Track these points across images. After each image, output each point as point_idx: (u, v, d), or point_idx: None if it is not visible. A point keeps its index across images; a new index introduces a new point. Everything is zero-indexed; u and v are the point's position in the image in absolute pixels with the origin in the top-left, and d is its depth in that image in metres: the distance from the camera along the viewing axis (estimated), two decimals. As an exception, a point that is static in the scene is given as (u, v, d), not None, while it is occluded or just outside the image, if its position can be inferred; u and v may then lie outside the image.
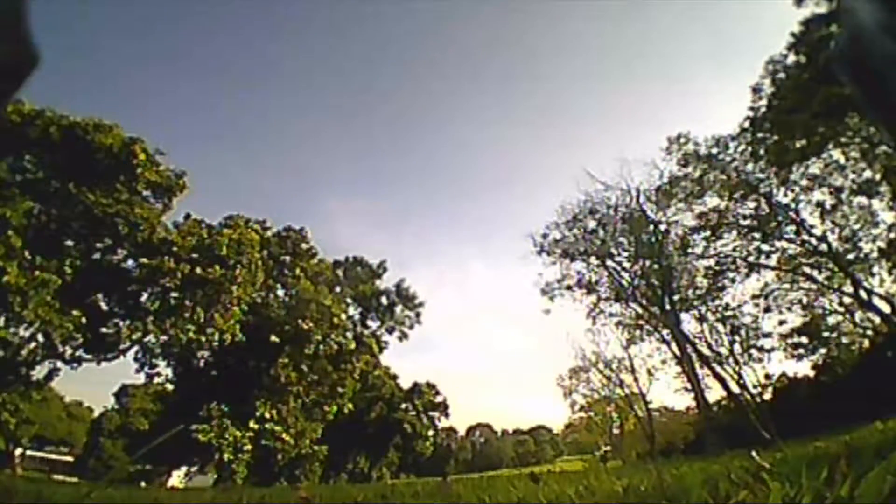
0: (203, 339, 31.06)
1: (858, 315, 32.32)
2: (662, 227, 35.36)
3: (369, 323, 52.82)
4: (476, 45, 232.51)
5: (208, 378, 36.48)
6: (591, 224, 36.99)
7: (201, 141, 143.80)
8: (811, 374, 35.22)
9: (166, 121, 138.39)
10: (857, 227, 29.71)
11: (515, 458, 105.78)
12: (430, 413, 67.82)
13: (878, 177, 27.21)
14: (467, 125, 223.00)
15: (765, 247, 32.18)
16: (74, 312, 25.35)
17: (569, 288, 37.56)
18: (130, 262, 29.86)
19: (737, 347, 34.33)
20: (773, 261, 32.49)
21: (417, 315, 55.02)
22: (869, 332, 32.35)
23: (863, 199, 28.85)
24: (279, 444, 36.09)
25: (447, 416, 70.25)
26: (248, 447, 33.88)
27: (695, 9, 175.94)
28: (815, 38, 23.10)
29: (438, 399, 68.40)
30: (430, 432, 67.20)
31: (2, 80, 0.55)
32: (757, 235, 31.80)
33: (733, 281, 33.71)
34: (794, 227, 30.66)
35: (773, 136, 27.29)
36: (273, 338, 36.90)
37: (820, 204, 29.49)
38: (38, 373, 26.85)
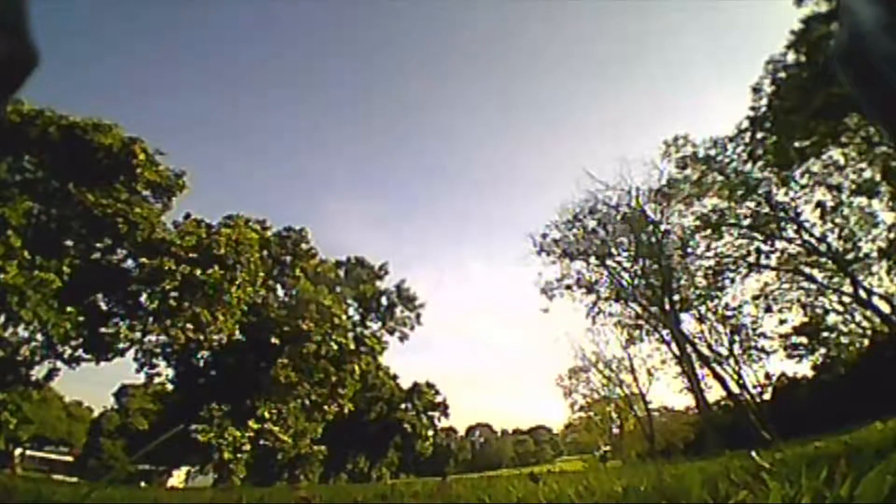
0: (203, 339, 31.07)
1: (858, 315, 32.36)
2: (662, 228, 35.41)
3: (369, 323, 52.83)
4: (476, 46, 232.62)
5: (208, 378, 36.47)
6: (591, 224, 37.05)
7: (201, 141, 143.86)
8: (811, 374, 35.23)
9: (166, 121, 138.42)
10: (856, 227, 29.72)
11: (515, 458, 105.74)
12: (430, 413, 67.84)
13: (878, 177, 27.21)
14: (467, 125, 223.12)
15: (765, 247, 32.20)
16: (73, 312, 25.36)
17: (568, 287, 37.61)
18: (130, 262, 29.88)
19: (737, 347, 34.37)
20: (772, 261, 32.50)
21: (417, 316, 55.04)
22: (869, 332, 32.36)
23: (863, 200, 28.87)
24: (279, 444, 36.10)
25: (447, 415, 70.32)
26: (248, 447, 33.89)
27: (695, 8, 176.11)
28: (816, 37, 23.08)
29: (438, 399, 68.42)
30: (430, 432, 67.22)
31: (2, 79, 0.55)
32: (757, 235, 31.80)
33: (733, 281, 33.75)
34: (793, 227, 30.67)
35: (774, 136, 27.28)
36: (273, 338, 36.90)
37: (820, 204, 29.49)
38: (38, 373, 26.90)
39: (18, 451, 39.69)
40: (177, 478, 39.72)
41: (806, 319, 33.66)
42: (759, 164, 29.39)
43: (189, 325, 29.95)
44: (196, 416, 32.28)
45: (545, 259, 38.06)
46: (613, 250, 36.79)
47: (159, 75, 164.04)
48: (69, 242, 27.41)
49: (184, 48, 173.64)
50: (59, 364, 27.25)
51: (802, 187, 29.41)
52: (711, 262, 33.84)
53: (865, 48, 0.54)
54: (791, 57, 25.25)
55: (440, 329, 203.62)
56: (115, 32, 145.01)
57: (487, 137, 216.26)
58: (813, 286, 32.32)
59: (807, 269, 31.79)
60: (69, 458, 60.09)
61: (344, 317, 42.93)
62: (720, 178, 31.58)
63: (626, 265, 36.63)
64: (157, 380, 35.51)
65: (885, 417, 9.01)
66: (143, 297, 29.60)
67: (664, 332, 35.56)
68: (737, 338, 34.51)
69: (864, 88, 0.59)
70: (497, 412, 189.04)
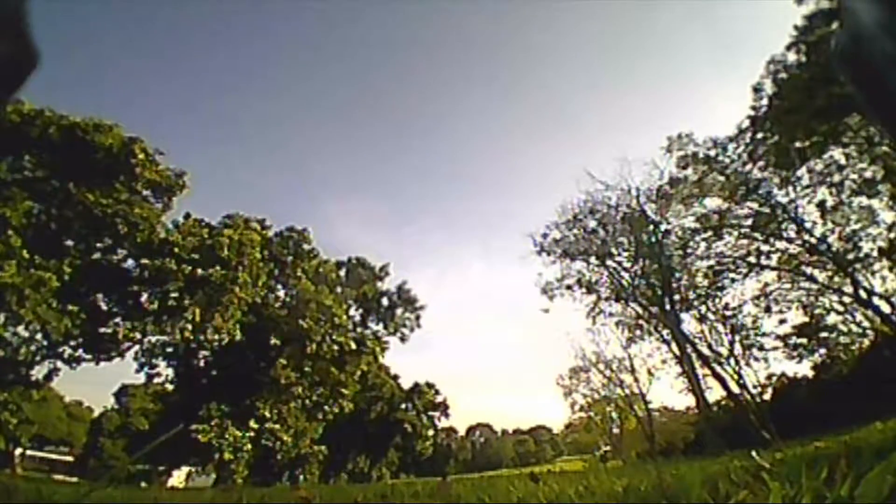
0: (203, 339, 31.08)
1: (858, 315, 32.33)
2: (662, 228, 35.40)
3: (370, 324, 52.83)
4: (476, 45, 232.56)
5: (208, 378, 36.48)
6: (592, 224, 37.02)
7: (201, 141, 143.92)
8: (811, 374, 35.22)
9: (166, 121, 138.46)
10: (857, 226, 29.70)
11: (515, 458, 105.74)
12: (430, 413, 67.86)
13: (878, 176, 27.19)
14: (467, 125, 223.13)
15: (765, 247, 32.19)
16: (73, 312, 25.36)
17: (569, 287, 37.60)
18: (130, 262, 29.88)
19: (737, 347, 34.33)
20: (773, 261, 32.48)
21: (418, 317, 55.03)
22: (869, 333, 32.34)
23: (863, 199, 28.85)
24: (279, 443, 36.10)
25: (447, 415, 70.35)
26: (248, 447, 33.89)
27: (695, 8, 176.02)
28: (816, 36, 23.08)
29: (438, 399, 68.44)
30: (430, 432, 67.24)
31: (2, 80, 0.55)
32: (757, 236, 31.78)
33: (733, 281, 33.72)
34: (794, 227, 30.65)
35: (774, 136, 27.27)
36: (273, 338, 36.90)
37: (820, 204, 29.47)
38: (38, 372, 26.90)
39: (19, 450, 39.68)
40: (177, 478, 39.74)
41: (806, 319, 33.64)
42: (760, 164, 29.38)
43: (190, 326, 29.96)
44: (196, 416, 32.29)
45: (545, 259, 38.08)
46: (613, 250, 36.79)
47: (160, 75, 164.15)
48: (69, 242, 27.40)
49: (184, 48, 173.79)
50: (59, 364, 27.26)
51: (803, 187, 29.41)
52: (712, 262, 33.85)
53: (866, 48, 0.54)
54: (792, 57, 25.27)
55: (440, 329, 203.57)
56: (116, 32, 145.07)
57: (488, 137, 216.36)
58: (813, 286, 32.31)
59: (807, 269, 31.78)
60: (69, 458, 60.12)
61: (344, 317, 42.92)
62: (720, 178, 31.57)
63: (627, 265, 36.63)
64: (157, 380, 35.54)
65: (885, 417, 9.02)
66: (144, 298, 29.60)
67: (664, 332, 35.57)
68: (737, 338, 34.49)
69: (864, 88, 0.59)
70: (497, 412, 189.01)
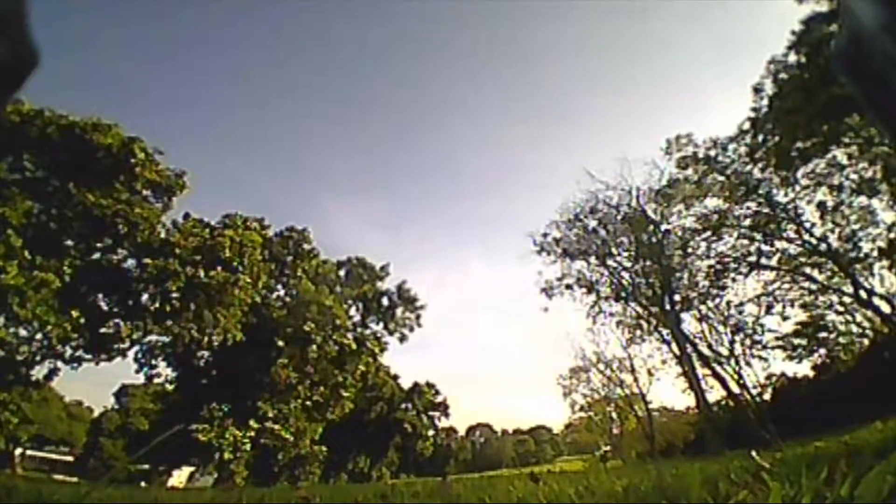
0: (204, 339, 31.08)
1: (858, 315, 32.33)
2: (663, 228, 35.42)
3: (370, 324, 52.86)
4: (476, 45, 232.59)
5: (209, 378, 36.49)
6: (592, 223, 37.07)
7: (201, 141, 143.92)
8: (811, 374, 35.19)
9: (166, 121, 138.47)
10: (857, 226, 29.70)
11: (515, 458, 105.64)
12: (430, 413, 67.86)
13: (878, 176, 27.20)
14: (468, 125, 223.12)
15: (765, 247, 32.21)
16: (74, 312, 25.36)
17: (569, 287, 37.63)
18: (130, 262, 29.88)
19: (737, 347, 34.32)
20: (773, 261, 32.50)
21: (418, 317, 55.09)
22: (869, 332, 32.33)
23: (863, 199, 28.86)
24: (279, 443, 36.10)
25: (447, 415, 70.34)
26: (249, 447, 33.89)
27: (695, 8, 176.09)
28: (816, 37, 23.08)
29: (438, 399, 68.44)
30: (430, 432, 67.25)
31: (2, 80, 0.55)
32: (757, 236, 31.79)
33: (734, 280, 33.73)
34: (794, 228, 30.65)
35: (775, 137, 27.27)
36: (274, 338, 36.91)
37: (820, 204, 29.48)
38: (38, 373, 26.88)
39: (19, 451, 39.64)
40: (177, 478, 39.69)
41: (806, 319, 33.64)
42: (760, 164, 29.40)
43: (191, 326, 29.97)
44: (197, 415, 32.30)
45: (545, 258, 38.15)
46: (614, 250, 36.82)
47: (160, 75, 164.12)
48: (69, 242, 27.40)
49: (184, 48, 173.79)
50: (59, 364, 27.26)
51: (803, 188, 29.41)
52: (712, 262, 33.85)
53: (866, 49, 0.54)
54: (792, 57, 25.26)
55: (441, 329, 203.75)
56: (116, 32, 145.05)
57: (488, 137, 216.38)
58: (813, 286, 32.32)
59: (807, 270, 31.79)
60: (69, 458, 60.11)
61: (345, 317, 42.95)
62: (721, 178, 31.59)
63: (627, 265, 36.67)
64: (157, 380, 35.53)
65: (885, 417, 9.02)
66: (144, 298, 29.61)
67: (664, 332, 35.57)
68: (737, 338, 34.49)
69: (864, 89, 0.59)
70: (497, 412, 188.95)
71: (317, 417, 40.20)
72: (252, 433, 34.36)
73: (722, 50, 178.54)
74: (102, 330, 28.39)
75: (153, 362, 33.46)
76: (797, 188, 29.55)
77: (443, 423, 71.90)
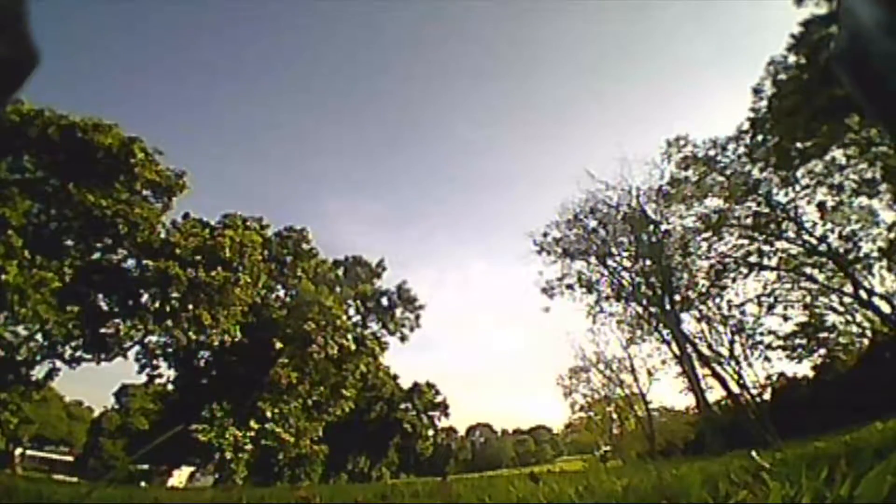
0: (204, 339, 31.09)
1: (858, 315, 32.32)
2: (663, 228, 35.40)
3: (370, 324, 52.85)
4: (476, 45, 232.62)
5: (209, 378, 36.49)
6: (592, 223, 37.05)
7: (201, 141, 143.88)
8: (811, 374, 35.20)
9: (166, 121, 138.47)
10: (857, 227, 29.71)
11: (515, 458, 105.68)
12: (430, 413, 67.86)
13: (878, 177, 27.21)
14: (468, 125, 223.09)
15: (765, 247, 32.19)
16: (74, 312, 25.35)
17: (569, 287, 37.61)
18: (130, 262, 29.90)
19: (737, 347, 34.31)
20: (773, 261, 32.50)
21: (417, 317, 55.06)
22: (869, 333, 32.33)
23: (863, 200, 28.86)
24: (280, 443, 36.09)
25: (447, 415, 70.34)
26: (249, 447, 33.89)
27: (695, 9, 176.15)
28: (816, 38, 23.07)
29: (438, 399, 68.44)
30: (430, 432, 67.27)
31: (2, 80, 0.55)
32: (757, 236, 31.79)
33: (734, 280, 33.72)
34: (794, 228, 30.65)
35: (775, 138, 27.27)
36: (274, 338, 36.91)
37: (821, 204, 29.48)
38: (38, 372, 26.89)
39: (19, 450, 39.67)
40: (177, 478, 39.68)
41: (806, 319, 33.63)
42: (760, 164, 29.40)
43: (192, 327, 29.97)
44: (197, 415, 32.30)
45: (546, 258, 38.12)
46: (614, 250, 36.80)
47: (160, 75, 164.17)
48: (69, 242, 27.41)
49: (184, 48, 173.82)
50: (59, 364, 27.28)
51: (803, 187, 29.41)
52: (712, 262, 33.85)
53: (866, 49, 0.54)
54: (792, 59, 25.25)
55: (441, 329, 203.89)
56: (116, 32, 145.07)
57: (488, 137, 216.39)
58: (813, 286, 32.31)
59: (807, 270, 31.78)
60: (69, 458, 60.11)
61: (344, 317, 42.95)
62: (721, 178, 31.59)
63: (627, 265, 36.64)
64: (157, 380, 35.53)
65: (885, 417, 9.01)
66: (145, 298, 29.62)
67: (664, 332, 35.55)
68: (737, 338, 34.47)
69: (864, 89, 0.59)
70: (497, 412, 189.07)
71: (317, 417, 40.20)
72: (252, 433, 34.36)
73: (722, 50, 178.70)
74: (102, 330, 28.39)
75: (153, 362, 33.46)
76: (797, 188, 29.57)
77: (443, 423, 72.00)
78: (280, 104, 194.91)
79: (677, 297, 34.53)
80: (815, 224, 30.14)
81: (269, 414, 35.71)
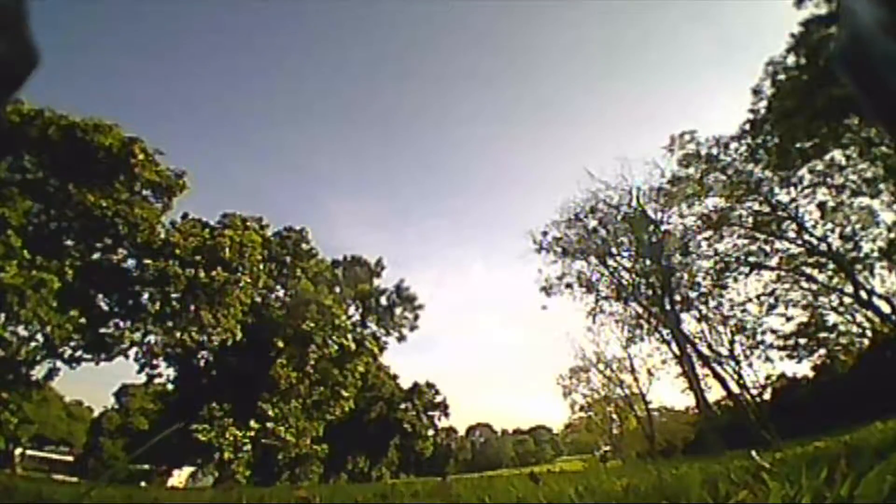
0: (204, 339, 31.10)
1: (859, 315, 32.33)
2: (663, 227, 35.40)
3: (369, 324, 52.86)
4: (476, 45, 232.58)
5: (209, 378, 36.49)
6: (592, 223, 37.03)
7: (201, 141, 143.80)
8: (811, 374, 35.21)
9: (166, 121, 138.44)
10: (857, 227, 29.72)
11: (515, 458, 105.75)
12: (430, 413, 67.84)
13: (878, 177, 27.23)
14: (468, 125, 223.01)
15: (766, 247, 32.22)
16: (74, 313, 25.35)
17: (569, 286, 37.61)
18: (131, 263, 29.90)
19: (737, 347, 34.32)
20: (773, 261, 32.52)
21: (416, 317, 55.08)
22: (869, 333, 32.34)
23: (863, 200, 28.88)
24: (279, 443, 36.09)
25: (447, 415, 70.32)
26: (249, 447, 33.90)
27: (695, 9, 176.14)
28: (816, 38, 23.09)
29: (438, 399, 68.43)
30: (430, 432, 67.23)
31: (2, 80, 0.55)
32: (758, 235, 31.81)
33: (736, 280, 33.74)
34: (794, 228, 30.66)
35: (775, 138, 27.28)
36: (274, 338, 36.94)
37: (821, 204, 29.50)
38: (38, 372, 26.88)
39: (19, 450, 39.66)
40: (177, 478, 39.69)
41: (806, 319, 33.64)
42: (761, 164, 29.41)
43: (191, 327, 29.99)
44: (197, 415, 32.30)
45: (545, 258, 38.11)
46: (614, 250, 36.79)
47: (159, 75, 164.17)
48: (69, 242, 27.41)
49: (184, 48, 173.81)
50: (59, 364, 27.27)
51: (804, 187, 29.42)
52: (713, 262, 33.86)
53: (866, 49, 0.54)
54: (791, 59, 25.27)
55: (441, 329, 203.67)
56: (116, 32, 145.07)
57: (488, 137, 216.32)
58: (813, 286, 32.31)
59: (807, 270, 31.79)
60: (69, 458, 60.09)
61: (344, 317, 42.97)
62: (722, 177, 31.61)
63: (627, 265, 36.65)
64: (157, 380, 35.53)
65: (885, 417, 9.02)
66: (145, 298, 29.63)
67: (664, 332, 35.54)
68: (737, 338, 34.48)
69: (864, 89, 0.59)
70: (497, 412, 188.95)
71: (317, 417, 40.20)
72: (252, 433, 34.37)
73: (723, 49, 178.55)
74: (102, 330, 28.40)
75: (153, 362, 33.45)
76: (798, 188, 29.59)
77: (443, 422, 71.94)
78: (280, 104, 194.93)
79: (677, 297, 34.54)
80: (815, 224, 30.18)
81: (269, 414, 35.72)
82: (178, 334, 29.94)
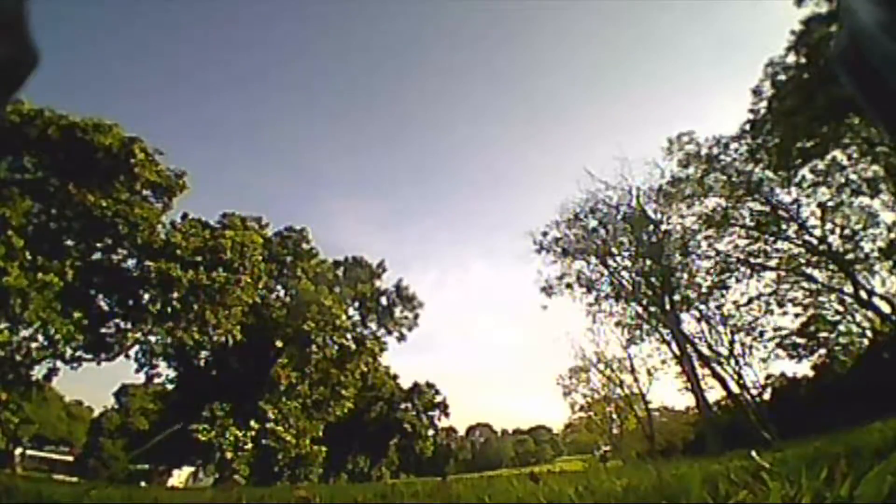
0: (204, 339, 31.10)
1: (858, 315, 32.34)
2: (663, 227, 35.40)
3: (369, 324, 52.83)
4: (476, 44, 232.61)
5: (209, 378, 36.50)
6: (592, 223, 37.04)
7: (201, 141, 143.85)
8: (811, 374, 35.21)
9: (166, 121, 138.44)
10: (857, 226, 29.71)
11: (515, 458, 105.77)
12: (430, 413, 67.88)
13: (879, 177, 27.22)
14: (468, 125, 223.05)
15: (766, 247, 32.20)
16: (75, 314, 25.35)
17: (569, 286, 37.61)
18: (131, 263, 29.90)
19: (737, 347, 34.31)
20: (774, 261, 32.49)
21: (416, 317, 55.04)
22: (869, 333, 32.33)
23: (864, 200, 28.88)
24: (280, 443, 36.11)
25: (447, 415, 70.36)
26: (249, 447, 33.90)
27: (695, 8, 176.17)
28: (816, 38, 23.07)
29: (438, 399, 68.47)
30: (430, 432, 67.27)
31: (2, 80, 0.55)
32: (759, 235, 31.80)
33: (738, 280, 33.73)
34: (795, 228, 30.65)
35: (775, 139, 27.26)
36: (274, 338, 36.94)
37: (821, 204, 29.49)
38: (38, 372, 26.86)
39: (19, 450, 39.67)
40: (177, 478, 39.69)
41: (806, 319, 33.63)
42: (761, 164, 29.40)
43: (192, 327, 29.98)
44: (197, 415, 32.31)
45: (545, 258, 38.13)
46: (614, 250, 36.78)
47: (159, 75, 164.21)
48: (70, 243, 27.40)
49: (184, 48, 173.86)
50: (59, 364, 27.25)
51: (804, 187, 29.41)
52: (713, 262, 33.85)
53: (866, 49, 0.54)
54: (791, 59, 25.25)
55: (441, 329, 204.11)
56: (116, 32, 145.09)
57: (488, 137, 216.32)
58: (814, 286, 32.31)
59: (808, 270, 31.79)
60: (69, 458, 60.10)
61: (344, 317, 42.96)
62: (722, 177, 31.59)
63: (627, 265, 36.64)
64: (157, 380, 35.57)
65: (885, 417, 9.00)
66: (145, 298, 29.61)
67: (664, 331, 35.53)
68: (737, 338, 34.48)
69: (864, 89, 0.59)
70: (497, 412, 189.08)
71: (317, 417, 40.21)
72: (252, 433, 34.38)
73: (723, 49, 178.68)
74: (103, 330, 28.40)
75: (153, 362, 33.48)
76: (798, 188, 29.59)
77: (443, 422, 72.01)
78: (280, 104, 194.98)
79: (677, 297, 34.52)
80: (815, 224, 30.18)
81: (269, 414, 35.74)
82: (178, 334, 29.94)
